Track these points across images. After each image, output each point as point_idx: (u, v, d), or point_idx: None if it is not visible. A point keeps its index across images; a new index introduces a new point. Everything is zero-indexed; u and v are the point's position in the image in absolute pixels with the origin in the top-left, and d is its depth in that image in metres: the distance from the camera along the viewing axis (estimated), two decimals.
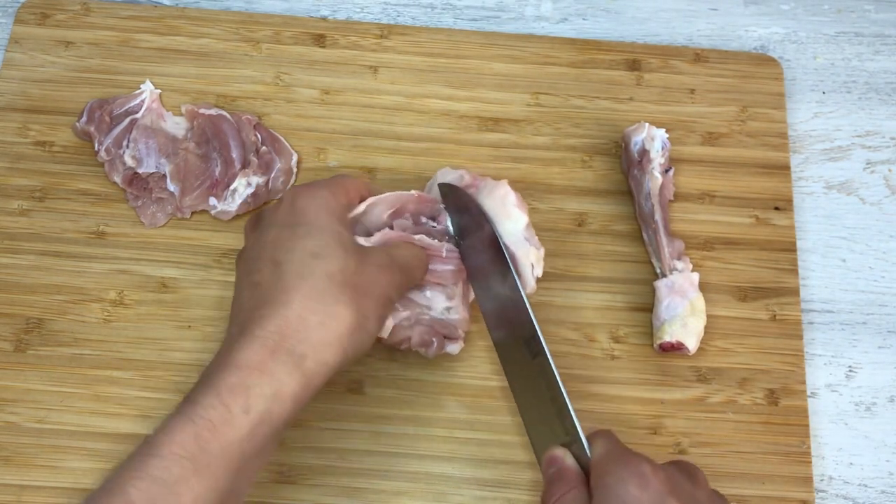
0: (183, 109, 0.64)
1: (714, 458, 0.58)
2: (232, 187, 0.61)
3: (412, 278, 0.52)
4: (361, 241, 0.51)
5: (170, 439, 0.40)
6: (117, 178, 0.62)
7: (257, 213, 0.51)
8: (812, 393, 0.61)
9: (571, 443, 0.48)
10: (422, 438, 0.57)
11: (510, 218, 0.55)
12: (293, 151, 0.63)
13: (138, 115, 0.63)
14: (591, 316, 0.61)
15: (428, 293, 0.55)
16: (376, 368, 0.58)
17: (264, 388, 0.42)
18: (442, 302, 0.55)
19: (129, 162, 0.62)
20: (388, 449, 0.57)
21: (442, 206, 0.57)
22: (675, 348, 0.58)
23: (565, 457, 0.47)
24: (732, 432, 0.58)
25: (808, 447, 0.58)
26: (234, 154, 0.62)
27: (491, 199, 0.56)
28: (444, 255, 0.55)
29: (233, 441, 0.41)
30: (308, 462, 0.56)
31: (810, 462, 0.58)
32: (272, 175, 0.62)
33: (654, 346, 0.59)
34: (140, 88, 0.64)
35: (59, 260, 0.60)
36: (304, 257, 0.46)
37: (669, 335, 0.58)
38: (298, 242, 0.46)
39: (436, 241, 0.55)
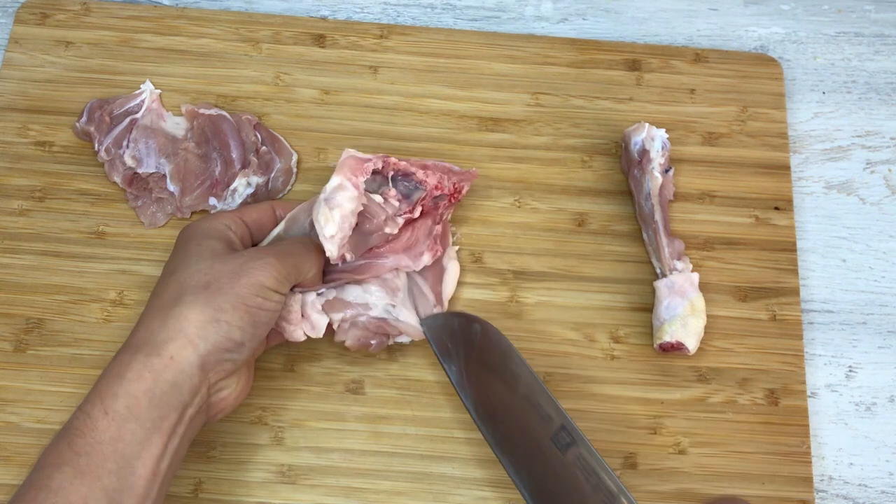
0: (183, 109, 0.64)
1: (714, 458, 0.58)
2: (232, 187, 0.61)
3: (297, 262, 0.52)
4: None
5: (47, 454, 0.44)
6: (117, 178, 0.62)
7: None
8: (812, 393, 0.61)
9: None
10: (422, 438, 0.57)
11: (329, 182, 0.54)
12: (293, 151, 0.63)
13: (138, 115, 0.63)
14: (591, 316, 0.61)
15: (363, 290, 0.55)
16: (376, 368, 0.58)
17: (115, 388, 0.46)
18: (382, 298, 0.55)
19: (129, 162, 0.62)
20: (388, 449, 0.57)
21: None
22: (675, 348, 0.58)
23: None
24: (732, 432, 0.58)
25: (808, 447, 0.58)
26: (234, 154, 0.62)
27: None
28: (383, 221, 0.55)
29: (103, 441, 0.44)
30: (308, 462, 0.56)
31: (810, 462, 0.58)
32: (272, 175, 0.62)
33: (654, 346, 0.59)
34: (140, 88, 0.64)
35: (59, 260, 0.60)
36: (163, 279, 0.50)
37: (669, 335, 0.58)
38: (165, 269, 0.52)
39: (384, 209, 0.55)
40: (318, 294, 0.55)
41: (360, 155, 0.55)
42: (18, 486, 0.44)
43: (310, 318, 0.54)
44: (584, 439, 0.51)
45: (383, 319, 0.55)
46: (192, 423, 0.48)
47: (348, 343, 0.55)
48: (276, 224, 0.56)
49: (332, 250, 0.53)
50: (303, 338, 0.54)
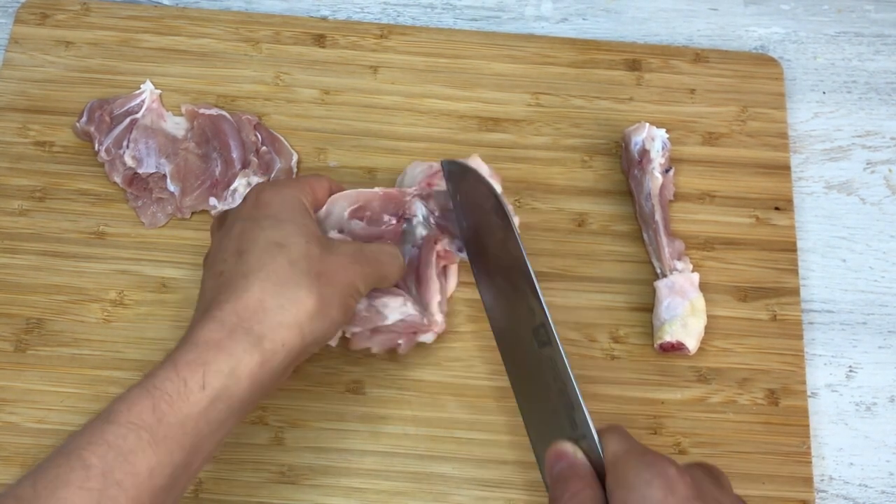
0: (183, 109, 0.64)
1: (714, 458, 0.57)
2: (232, 187, 0.61)
3: (383, 272, 0.52)
4: (334, 234, 0.53)
5: (127, 408, 0.41)
6: (117, 179, 0.62)
7: (222, 213, 0.53)
8: (812, 393, 0.61)
9: (579, 439, 0.45)
10: (422, 438, 0.57)
11: None
12: (293, 151, 0.63)
13: (138, 116, 0.63)
14: (591, 316, 0.61)
15: (378, 302, 0.54)
16: (376, 368, 0.58)
17: (221, 364, 0.43)
18: (398, 306, 0.54)
19: (129, 162, 0.62)
20: (388, 449, 0.57)
21: (437, 190, 0.57)
22: (676, 348, 0.58)
23: (575, 452, 0.45)
24: (732, 432, 0.58)
25: (809, 447, 0.58)
26: (234, 154, 0.62)
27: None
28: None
29: (189, 415, 0.41)
30: (308, 462, 0.56)
31: (810, 462, 0.58)
32: (272, 175, 0.62)
33: (654, 346, 0.59)
34: (140, 88, 0.64)
35: (59, 260, 0.60)
36: (268, 246, 0.47)
37: (669, 335, 0.58)
38: (262, 233, 0.47)
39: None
40: None
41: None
42: (84, 424, 0.41)
43: None
44: (558, 344, 0.48)
45: (402, 322, 0.54)
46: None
47: (375, 349, 0.55)
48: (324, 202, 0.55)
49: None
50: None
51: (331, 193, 0.56)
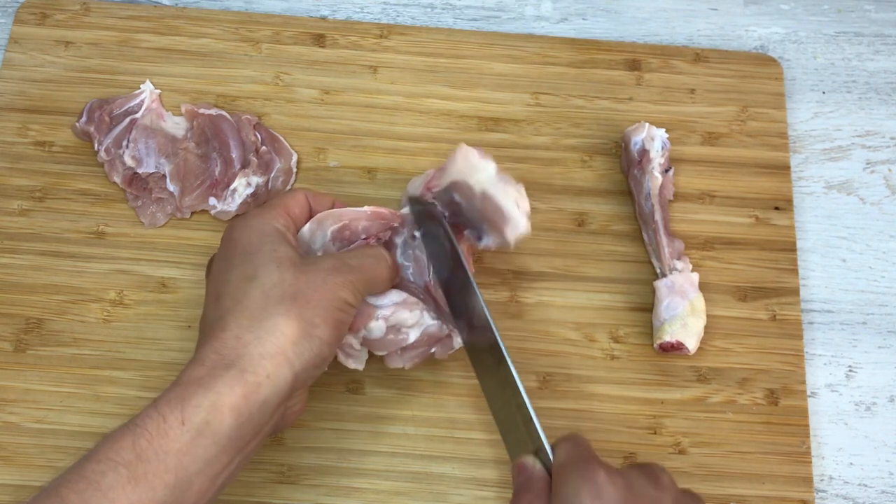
0: (183, 109, 0.64)
1: (714, 458, 0.58)
2: (232, 187, 0.61)
3: (369, 276, 0.50)
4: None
5: (108, 446, 0.41)
6: (117, 178, 0.62)
7: (211, 257, 0.52)
8: (812, 393, 0.61)
9: (538, 450, 0.47)
10: (422, 438, 0.57)
11: (478, 169, 0.53)
12: (293, 151, 0.63)
13: (138, 115, 0.63)
14: (591, 316, 0.61)
15: (394, 322, 0.53)
16: (376, 368, 0.58)
17: (200, 399, 0.43)
18: (416, 322, 0.53)
19: (129, 162, 0.62)
20: (388, 449, 0.57)
21: (406, 214, 0.56)
22: (675, 348, 0.58)
23: (535, 464, 0.47)
24: (732, 432, 0.58)
25: (808, 447, 0.58)
26: (234, 154, 0.62)
27: (455, 164, 0.54)
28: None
29: (169, 451, 0.41)
30: (308, 462, 0.56)
31: (810, 462, 0.58)
32: (272, 175, 0.62)
33: (654, 346, 0.59)
34: (140, 88, 0.64)
35: (59, 260, 0.60)
36: (240, 283, 0.47)
37: (669, 335, 0.58)
38: (233, 272, 0.48)
39: None
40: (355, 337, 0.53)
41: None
42: (69, 467, 0.41)
43: (351, 354, 0.54)
44: (508, 362, 0.49)
45: (426, 335, 0.54)
46: (264, 438, 0.46)
47: (409, 366, 0.55)
48: (310, 215, 0.54)
49: (527, 226, 0.53)
50: (354, 367, 0.54)
51: (313, 205, 0.54)
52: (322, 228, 0.53)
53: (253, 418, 0.44)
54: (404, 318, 0.52)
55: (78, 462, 0.41)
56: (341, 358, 0.53)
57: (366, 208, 0.54)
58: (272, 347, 0.45)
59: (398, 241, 0.55)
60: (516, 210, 0.53)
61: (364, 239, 0.53)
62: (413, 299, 0.53)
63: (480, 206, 0.53)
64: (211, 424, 0.42)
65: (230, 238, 0.50)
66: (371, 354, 0.55)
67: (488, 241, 0.54)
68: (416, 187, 0.58)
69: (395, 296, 0.53)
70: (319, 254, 0.53)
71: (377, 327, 0.52)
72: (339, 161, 0.64)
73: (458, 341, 0.55)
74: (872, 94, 0.70)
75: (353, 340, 0.52)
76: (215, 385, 0.43)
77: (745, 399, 0.59)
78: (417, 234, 0.55)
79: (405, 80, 0.67)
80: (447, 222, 0.54)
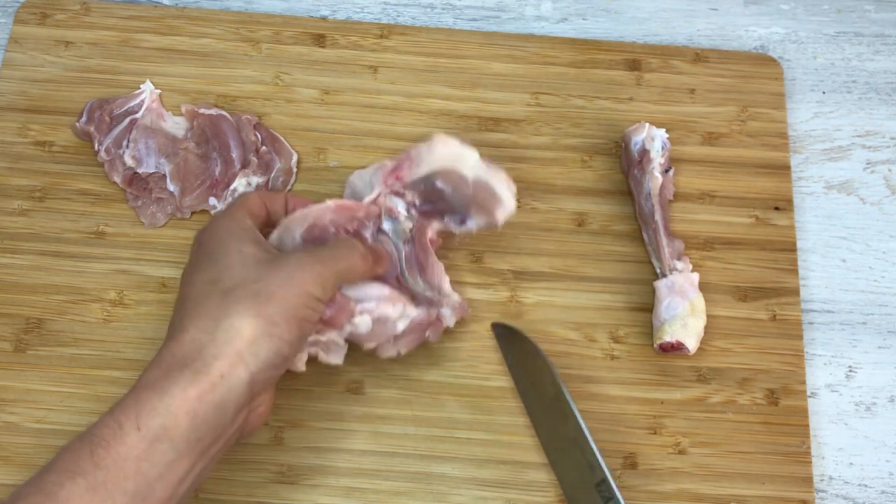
0: (183, 109, 0.64)
1: (714, 458, 0.58)
2: (232, 187, 0.61)
3: (340, 267, 0.50)
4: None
5: (66, 457, 0.41)
6: (117, 178, 0.62)
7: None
8: (812, 393, 0.61)
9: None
10: (422, 438, 0.57)
11: (466, 157, 0.56)
12: (293, 151, 0.63)
13: (138, 115, 0.63)
14: (591, 316, 0.61)
15: (378, 315, 0.53)
16: (376, 368, 0.58)
17: (154, 403, 0.43)
18: (399, 314, 0.53)
19: (129, 162, 0.62)
20: (388, 449, 0.57)
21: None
22: (675, 348, 0.58)
23: None
24: (732, 432, 0.58)
25: (808, 447, 0.58)
26: (234, 154, 0.62)
27: (434, 153, 0.55)
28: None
29: (127, 458, 0.41)
30: (308, 462, 0.56)
31: (810, 462, 0.58)
32: (272, 175, 0.62)
33: (654, 346, 0.59)
34: (140, 88, 0.64)
35: (59, 260, 0.60)
36: (203, 286, 0.47)
37: (669, 335, 0.58)
38: (198, 275, 0.48)
39: None
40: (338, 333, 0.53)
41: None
42: (26, 481, 0.41)
43: (330, 350, 0.53)
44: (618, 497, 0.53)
45: (414, 322, 0.54)
46: (228, 442, 0.46)
47: (404, 351, 0.55)
48: (267, 214, 0.54)
49: (514, 206, 0.56)
50: (336, 363, 0.54)
51: (268, 204, 0.54)
52: (290, 233, 0.53)
53: (209, 420, 0.44)
54: (388, 312, 0.53)
55: (37, 474, 0.41)
56: (321, 356, 0.53)
57: (329, 202, 0.54)
58: (227, 348, 0.44)
59: (366, 234, 0.55)
60: (507, 192, 0.56)
61: (334, 233, 0.54)
62: (395, 293, 0.53)
63: (472, 192, 0.55)
64: (167, 429, 0.42)
65: (198, 242, 0.51)
66: (369, 353, 0.55)
67: (472, 225, 0.57)
68: (366, 180, 0.57)
69: (377, 290, 0.53)
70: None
71: (363, 322, 0.52)
72: (339, 161, 0.64)
73: (449, 320, 0.55)
74: (872, 94, 0.70)
75: (337, 337, 0.53)
76: (170, 388, 0.43)
77: (745, 399, 0.59)
78: (386, 226, 0.56)
79: (405, 80, 0.67)
80: (418, 210, 0.56)
